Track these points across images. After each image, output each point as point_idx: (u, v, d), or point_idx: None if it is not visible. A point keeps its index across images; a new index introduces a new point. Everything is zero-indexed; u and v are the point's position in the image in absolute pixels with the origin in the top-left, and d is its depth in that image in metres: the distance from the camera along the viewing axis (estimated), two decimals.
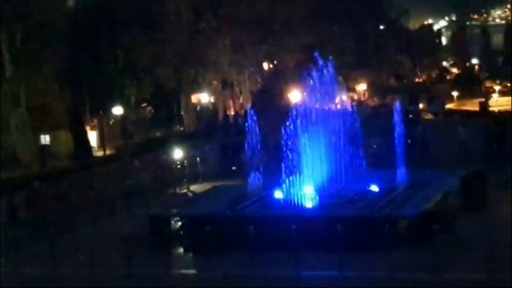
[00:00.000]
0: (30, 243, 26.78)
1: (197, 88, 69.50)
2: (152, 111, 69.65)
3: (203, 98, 72.00)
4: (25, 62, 48.70)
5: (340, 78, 30.04)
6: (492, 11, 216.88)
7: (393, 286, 20.01)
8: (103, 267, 23.05)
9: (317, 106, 29.15)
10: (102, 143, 58.04)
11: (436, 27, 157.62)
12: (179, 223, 26.92)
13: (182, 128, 65.82)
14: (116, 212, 32.09)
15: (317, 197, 26.72)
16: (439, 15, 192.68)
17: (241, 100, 73.42)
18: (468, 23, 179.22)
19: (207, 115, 70.32)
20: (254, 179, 28.80)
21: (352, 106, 31.89)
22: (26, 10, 47.57)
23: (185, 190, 37.41)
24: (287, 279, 21.20)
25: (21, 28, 48.39)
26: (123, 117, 60.15)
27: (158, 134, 62.84)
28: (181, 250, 25.43)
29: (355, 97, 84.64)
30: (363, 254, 22.13)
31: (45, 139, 53.80)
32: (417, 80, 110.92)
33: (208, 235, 23.58)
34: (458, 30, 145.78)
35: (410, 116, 59.28)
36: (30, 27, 48.47)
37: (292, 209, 26.25)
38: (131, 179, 38.96)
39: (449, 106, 74.73)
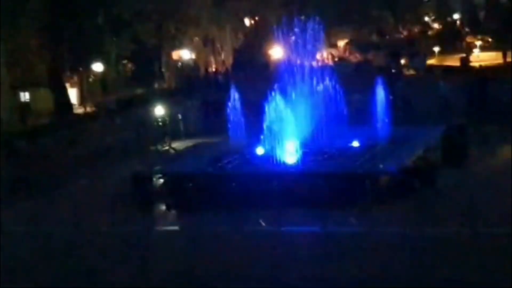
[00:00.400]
0: (11, 202, 26.69)
1: (178, 45, 69.01)
2: (133, 68, 69.16)
3: (184, 54, 71.55)
4: (4, 19, 48.03)
5: (321, 34, 29.91)
6: None
7: (374, 241, 20.17)
8: (86, 225, 23.07)
9: (298, 62, 29.10)
10: (82, 101, 57.70)
11: None
12: (161, 181, 26.94)
13: (163, 85, 65.50)
14: (97, 170, 32.02)
15: (299, 154, 26.79)
16: None
17: (222, 57, 73.07)
18: None
19: (188, 72, 69.95)
20: (236, 136, 28.79)
21: (333, 63, 31.84)
22: None
23: (166, 147, 37.33)
24: (270, 235, 21.30)
25: None
26: (103, 74, 59.71)
27: (139, 91, 62.50)
28: (163, 207, 25.46)
29: (337, 53, 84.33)
30: (345, 210, 22.28)
31: (24, 96, 53.38)
32: (399, 36, 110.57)
33: (191, 192, 23.64)
34: None
35: (392, 71, 59.34)
36: None
37: (274, 166, 26.31)
38: (112, 137, 38.85)
39: (430, 61, 74.68)
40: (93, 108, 55.40)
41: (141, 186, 26.29)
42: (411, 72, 67.42)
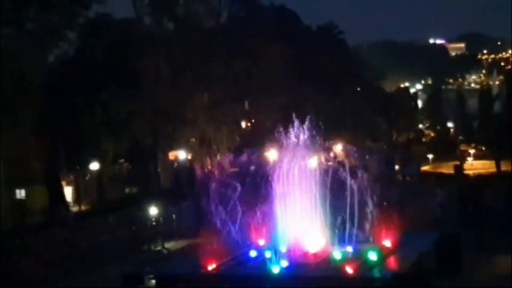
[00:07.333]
0: None
1: (174, 145, 69.54)
2: (129, 167, 69.44)
3: (180, 154, 71.98)
4: (1, 115, 48.50)
5: (316, 138, 30.25)
6: (467, 76, 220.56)
7: None
8: None
9: (294, 165, 29.28)
10: (77, 199, 57.70)
11: (412, 90, 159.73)
12: (153, 281, 26.66)
13: (158, 185, 65.61)
14: (89, 269, 31.75)
15: (291, 257, 26.64)
16: (415, 79, 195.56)
17: (218, 158, 73.49)
18: (443, 87, 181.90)
19: (183, 172, 70.19)
20: (231, 237, 28.68)
21: (328, 166, 32.02)
22: (3, 63, 47.58)
23: (159, 247, 37.16)
24: None
25: None
26: (99, 172, 59.92)
27: (134, 190, 62.57)
28: None
29: (332, 157, 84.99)
30: None
31: (20, 193, 53.32)
32: (393, 141, 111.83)
33: None
34: (433, 93, 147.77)
35: (385, 177, 59.59)
36: (7, 80, 48.43)
37: (267, 268, 26.10)
38: (105, 236, 38.69)
39: (424, 168, 75.24)
40: (88, 206, 55.36)
41: (132, 287, 25.99)
42: (406, 178, 67.81)
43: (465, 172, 66.46)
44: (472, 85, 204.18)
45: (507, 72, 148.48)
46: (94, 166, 58.01)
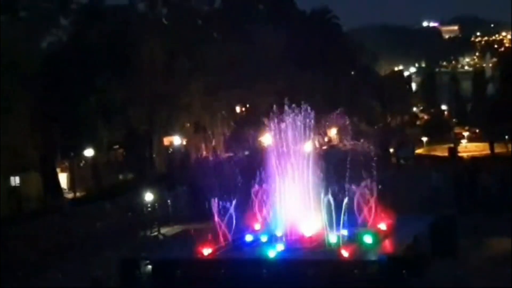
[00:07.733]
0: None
1: (169, 131, 69.53)
2: (124, 153, 69.38)
3: (176, 140, 72.01)
4: None
5: (311, 122, 30.30)
6: (461, 59, 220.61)
7: None
8: None
9: (289, 149, 29.36)
10: (72, 185, 57.72)
11: (406, 73, 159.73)
12: (149, 267, 26.78)
13: (154, 171, 65.61)
14: (86, 255, 31.84)
15: (287, 241, 26.76)
16: (409, 62, 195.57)
17: (213, 143, 73.53)
18: (437, 69, 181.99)
19: (179, 157, 70.25)
20: (226, 222, 28.77)
21: (323, 150, 32.12)
22: None
23: (155, 233, 37.26)
24: None
25: None
26: (94, 159, 59.91)
27: (130, 176, 62.58)
28: None
29: (327, 141, 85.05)
30: None
31: (15, 180, 53.32)
32: (387, 125, 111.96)
33: (179, 279, 23.50)
34: (427, 76, 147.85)
35: (380, 160, 59.58)
36: (2, 67, 48.29)
37: (263, 252, 26.23)
38: (101, 222, 38.78)
39: (418, 151, 75.41)
40: (83, 193, 55.37)
41: (129, 272, 26.10)
42: (400, 161, 67.95)
43: (459, 154, 66.62)
44: (466, 67, 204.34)
45: (501, 54, 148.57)
46: (89, 152, 57.98)
